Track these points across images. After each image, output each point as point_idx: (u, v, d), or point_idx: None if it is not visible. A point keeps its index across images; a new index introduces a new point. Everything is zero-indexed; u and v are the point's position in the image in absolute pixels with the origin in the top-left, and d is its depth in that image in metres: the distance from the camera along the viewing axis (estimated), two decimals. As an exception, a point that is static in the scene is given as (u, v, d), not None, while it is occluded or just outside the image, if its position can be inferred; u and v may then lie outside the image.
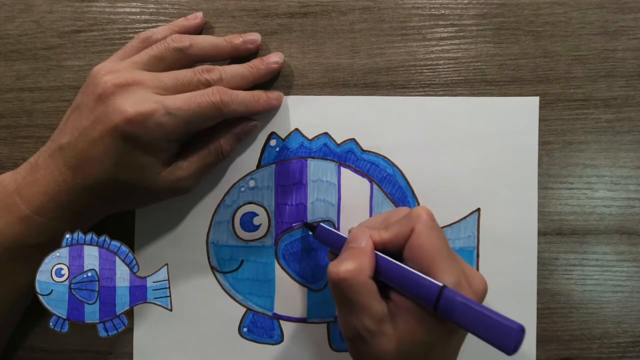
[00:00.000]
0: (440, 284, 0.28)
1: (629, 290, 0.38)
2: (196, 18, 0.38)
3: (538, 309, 0.38)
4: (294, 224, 0.39)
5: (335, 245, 0.34)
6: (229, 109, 0.34)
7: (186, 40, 0.35)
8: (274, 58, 0.37)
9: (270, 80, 0.39)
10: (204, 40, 0.36)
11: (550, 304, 0.38)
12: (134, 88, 0.32)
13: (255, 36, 0.38)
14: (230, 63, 0.38)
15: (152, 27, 0.39)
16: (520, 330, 0.26)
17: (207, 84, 0.34)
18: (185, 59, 0.35)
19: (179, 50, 0.35)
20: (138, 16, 0.39)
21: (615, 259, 0.38)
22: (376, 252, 0.31)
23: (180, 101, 0.33)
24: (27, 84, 0.40)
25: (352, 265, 0.29)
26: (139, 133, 0.32)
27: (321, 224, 0.36)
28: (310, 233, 0.37)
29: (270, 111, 0.39)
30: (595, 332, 0.38)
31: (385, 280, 0.30)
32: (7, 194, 0.33)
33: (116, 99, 0.32)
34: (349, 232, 0.33)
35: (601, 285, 0.38)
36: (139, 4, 0.39)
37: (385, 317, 0.29)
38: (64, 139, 0.33)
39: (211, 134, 0.36)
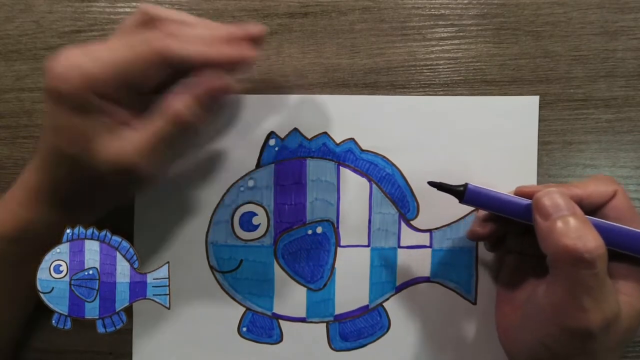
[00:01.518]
0: None
1: (628, 290, 0.38)
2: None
3: (538, 309, 0.38)
4: (430, 182, 0.33)
5: (496, 207, 0.31)
6: (176, 53, 0.28)
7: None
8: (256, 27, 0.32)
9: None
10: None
11: (549, 304, 0.38)
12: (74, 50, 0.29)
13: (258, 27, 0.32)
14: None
15: (152, 27, 0.39)
16: None
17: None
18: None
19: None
20: (138, 16, 0.39)
21: (615, 259, 0.38)
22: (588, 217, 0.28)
23: (111, 47, 0.29)
24: (27, 84, 0.40)
25: (599, 240, 0.26)
26: (65, 88, 0.28)
27: (469, 185, 0.32)
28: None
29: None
30: (595, 332, 0.38)
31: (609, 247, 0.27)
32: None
33: (53, 64, 0.29)
34: (520, 193, 0.31)
35: (601, 285, 0.38)
36: (139, 4, 0.39)
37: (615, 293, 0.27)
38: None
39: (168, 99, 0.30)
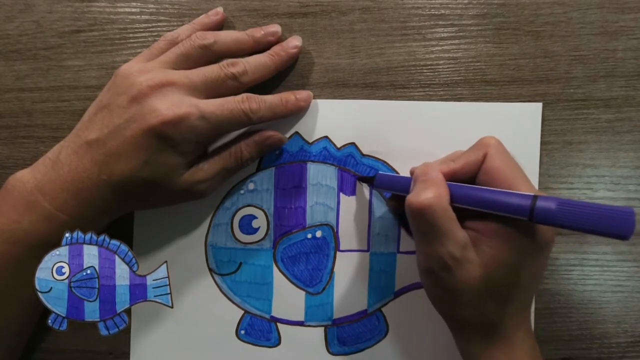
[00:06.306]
0: (532, 194, 0.28)
1: (629, 290, 0.38)
2: (217, 14, 0.38)
3: (538, 309, 0.38)
4: (357, 176, 0.39)
5: (399, 188, 0.34)
6: (257, 115, 0.35)
7: (210, 37, 0.36)
8: (293, 42, 0.38)
9: (271, 83, 0.38)
10: (227, 36, 0.37)
11: (550, 304, 0.38)
12: (168, 89, 0.33)
13: (275, 28, 0.38)
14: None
15: (152, 27, 0.39)
16: (632, 213, 0.25)
17: (233, 78, 0.35)
18: (210, 55, 0.36)
19: (203, 47, 0.36)
20: (138, 16, 0.39)
21: (615, 259, 0.38)
22: (450, 182, 0.31)
23: (213, 106, 0.33)
24: (27, 84, 0.40)
25: (432, 193, 0.30)
26: (173, 134, 0.32)
27: (379, 172, 0.37)
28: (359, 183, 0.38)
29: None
30: (595, 332, 0.38)
31: (466, 206, 0.30)
32: (28, 192, 0.33)
33: (152, 100, 0.33)
34: (411, 172, 0.34)
35: (601, 285, 0.38)
36: (139, 4, 0.39)
37: (468, 244, 0.30)
38: (92, 135, 0.33)
39: (234, 141, 0.37)
